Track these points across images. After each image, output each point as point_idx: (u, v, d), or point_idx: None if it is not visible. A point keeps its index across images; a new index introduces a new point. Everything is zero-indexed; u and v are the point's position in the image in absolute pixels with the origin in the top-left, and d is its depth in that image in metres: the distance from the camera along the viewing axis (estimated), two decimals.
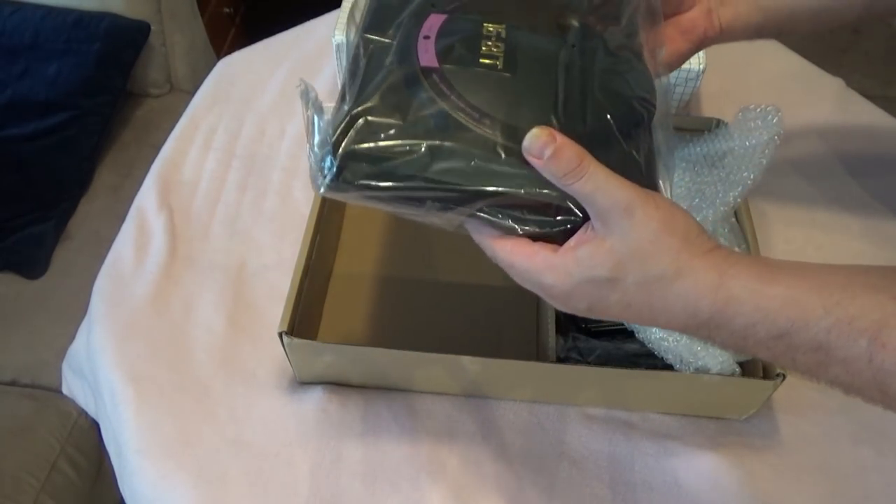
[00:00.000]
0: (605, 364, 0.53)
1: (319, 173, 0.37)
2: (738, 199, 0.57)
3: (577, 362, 0.53)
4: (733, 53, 0.84)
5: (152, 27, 1.21)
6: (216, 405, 0.56)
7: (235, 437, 0.54)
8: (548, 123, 0.37)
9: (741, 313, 0.35)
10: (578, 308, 0.38)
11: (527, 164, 0.37)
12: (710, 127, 0.62)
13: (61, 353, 0.72)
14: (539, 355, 0.55)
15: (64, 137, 1.10)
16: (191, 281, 0.63)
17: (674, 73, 0.69)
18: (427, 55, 0.40)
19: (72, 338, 0.70)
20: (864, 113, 0.79)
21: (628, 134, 0.40)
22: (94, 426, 0.90)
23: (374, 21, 0.43)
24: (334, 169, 0.37)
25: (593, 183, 0.35)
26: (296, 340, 0.50)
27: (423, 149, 0.37)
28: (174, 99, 1.29)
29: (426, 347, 0.57)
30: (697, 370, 0.50)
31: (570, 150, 0.35)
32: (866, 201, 0.70)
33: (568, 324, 0.56)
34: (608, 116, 0.39)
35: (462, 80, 0.39)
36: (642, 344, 0.52)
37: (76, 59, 1.13)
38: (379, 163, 0.37)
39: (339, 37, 0.70)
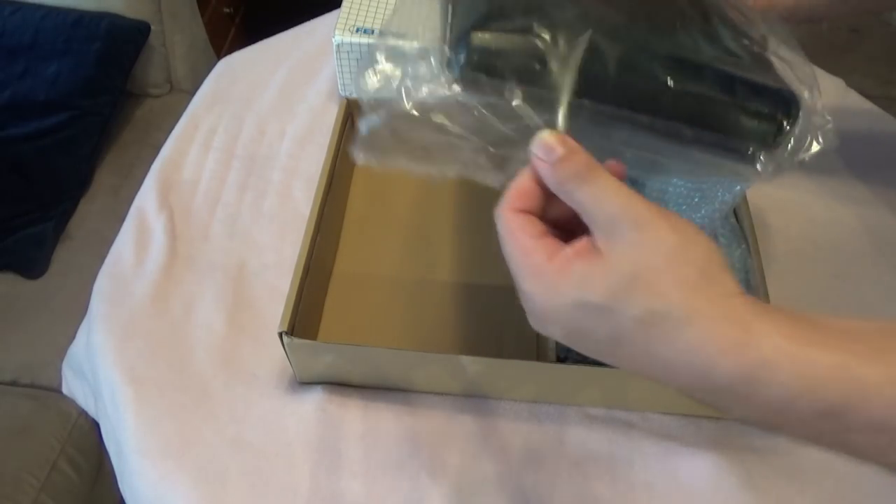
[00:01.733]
0: (605, 364, 0.53)
1: (452, 64, 0.36)
2: (737, 198, 0.57)
3: (577, 362, 0.53)
4: None
5: (152, 27, 1.21)
6: (216, 405, 0.56)
7: (235, 437, 0.54)
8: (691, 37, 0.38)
9: (778, 383, 0.27)
10: (552, 333, 0.32)
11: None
12: None
13: (61, 353, 0.72)
14: (539, 355, 0.55)
15: (64, 137, 1.10)
16: (191, 281, 0.63)
17: None
18: None
19: (72, 338, 0.70)
20: (864, 113, 0.79)
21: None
22: (94, 426, 0.90)
23: None
24: (463, 56, 0.36)
25: (602, 188, 0.31)
26: (296, 340, 0.50)
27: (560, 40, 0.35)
28: (174, 99, 1.29)
29: (426, 347, 0.57)
30: None
31: (580, 154, 0.32)
32: (866, 201, 0.70)
33: None
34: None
35: None
36: None
37: (76, 59, 1.13)
38: (514, 55, 0.36)
39: (339, 37, 0.70)
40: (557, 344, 0.54)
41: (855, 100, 0.80)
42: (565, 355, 0.54)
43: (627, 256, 0.30)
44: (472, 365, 0.52)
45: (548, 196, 0.34)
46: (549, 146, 0.32)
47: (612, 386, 0.54)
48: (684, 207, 0.54)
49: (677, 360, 0.29)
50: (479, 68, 0.36)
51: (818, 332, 0.28)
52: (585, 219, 0.32)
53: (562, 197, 0.32)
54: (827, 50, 1.30)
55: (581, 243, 0.31)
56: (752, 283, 0.55)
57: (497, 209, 0.34)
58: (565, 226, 0.34)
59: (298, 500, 0.51)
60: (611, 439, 0.54)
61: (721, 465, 0.52)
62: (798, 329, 0.28)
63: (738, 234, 0.57)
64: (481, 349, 0.57)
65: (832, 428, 0.28)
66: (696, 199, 0.58)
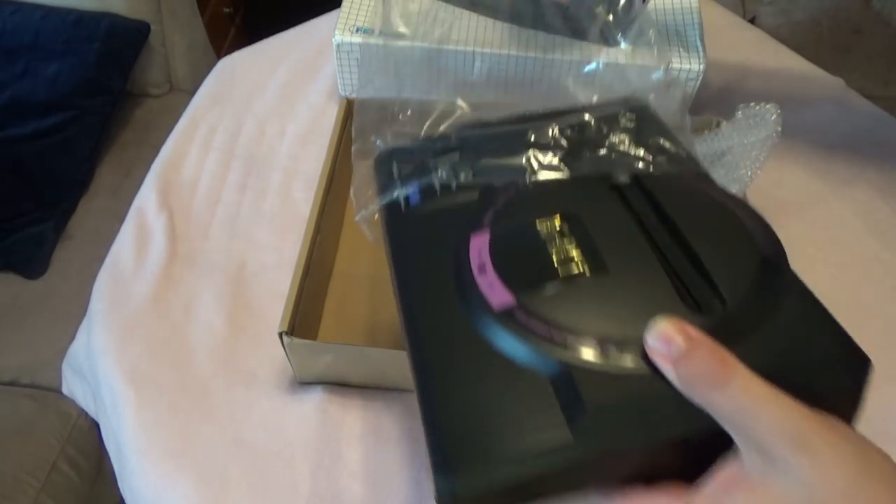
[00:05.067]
0: None
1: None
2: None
3: None
4: (733, 53, 0.84)
5: (152, 27, 1.21)
6: (216, 405, 0.56)
7: (235, 437, 0.54)
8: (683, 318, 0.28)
9: None
10: None
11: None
12: (709, 127, 0.62)
13: (61, 353, 0.72)
14: None
15: (64, 137, 1.11)
16: (191, 281, 0.63)
17: (674, 74, 0.69)
18: (496, 292, 0.30)
19: (72, 338, 0.70)
20: (864, 113, 0.79)
21: (774, 287, 0.31)
22: (94, 426, 0.90)
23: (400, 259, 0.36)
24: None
25: (742, 392, 0.24)
26: (296, 340, 0.50)
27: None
28: (174, 99, 1.29)
29: None
30: None
31: (707, 346, 0.26)
32: (867, 201, 0.70)
33: None
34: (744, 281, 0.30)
35: (556, 309, 0.29)
36: None
37: (76, 59, 1.13)
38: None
39: (339, 37, 0.70)
40: None
41: (855, 100, 0.80)
42: None
43: (802, 488, 0.24)
44: None
45: None
46: (667, 337, 0.26)
47: None
48: None
49: None
50: None
51: None
52: (728, 429, 0.25)
53: (694, 400, 0.26)
54: (827, 50, 1.30)
55: (726, 473, 0.26)
56: None
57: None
58: None
59: (298, 500, 0.51)
60: None
61: None
62: None
63: None
64: None
65: None
66: None
